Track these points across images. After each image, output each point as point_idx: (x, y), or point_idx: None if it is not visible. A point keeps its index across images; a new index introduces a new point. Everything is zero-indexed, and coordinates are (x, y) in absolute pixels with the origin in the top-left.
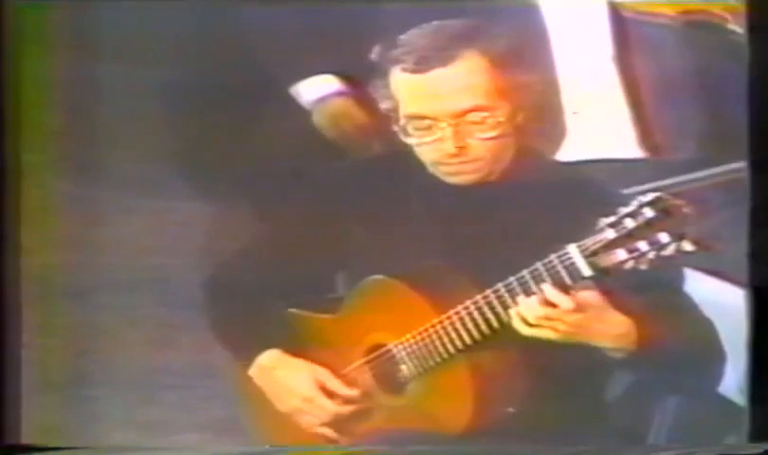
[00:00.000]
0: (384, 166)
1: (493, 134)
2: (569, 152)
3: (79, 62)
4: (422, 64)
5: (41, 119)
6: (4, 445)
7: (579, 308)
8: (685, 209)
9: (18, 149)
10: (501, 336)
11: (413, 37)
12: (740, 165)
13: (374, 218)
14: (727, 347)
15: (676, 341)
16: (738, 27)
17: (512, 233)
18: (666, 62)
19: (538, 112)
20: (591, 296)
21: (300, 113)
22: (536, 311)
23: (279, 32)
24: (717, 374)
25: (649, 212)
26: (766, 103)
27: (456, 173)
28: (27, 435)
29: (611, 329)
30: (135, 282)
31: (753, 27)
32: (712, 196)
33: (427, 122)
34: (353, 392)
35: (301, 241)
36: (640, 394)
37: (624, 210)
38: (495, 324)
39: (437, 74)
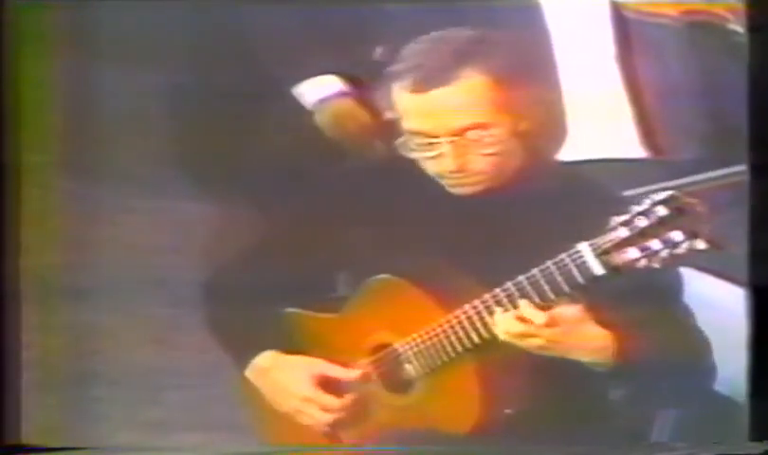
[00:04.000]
0: (389, 169)
1: (493, 150)
2: (571, 151)
3: (79, 62)
4: (421, 84)
5: (41, 119)
6: (4, 446)
7: (553, 323)
8: (698, 208)
9: (18, 149)
10: None
11: (412, 53)
12: (742, 167)
13: (377, 219)
14: (727, 346)
15: (661, 353)
16: (740, 28)
17: (519, 235)
18: (668, 62)
19: (542, 119)
20: (567, 310)
21: (302, 113)
22: (511, 327)
23: (281, 32)
24: (705, 385)
25: (661, 211)
26: (766, 104)
27: (458, 186)
28: (27, 435)
29: (587, 343)
30: (135, 282)
31: (753, 27)
32: (714, 197)
33: (427, 139)
34: (353, 375)
35: (303, 241)
36: (642, 396)
37: (636, 209)
38: None
39: (436, 94)
